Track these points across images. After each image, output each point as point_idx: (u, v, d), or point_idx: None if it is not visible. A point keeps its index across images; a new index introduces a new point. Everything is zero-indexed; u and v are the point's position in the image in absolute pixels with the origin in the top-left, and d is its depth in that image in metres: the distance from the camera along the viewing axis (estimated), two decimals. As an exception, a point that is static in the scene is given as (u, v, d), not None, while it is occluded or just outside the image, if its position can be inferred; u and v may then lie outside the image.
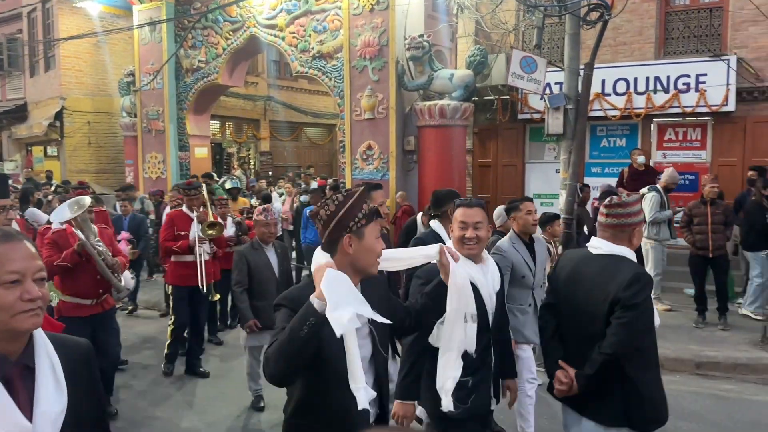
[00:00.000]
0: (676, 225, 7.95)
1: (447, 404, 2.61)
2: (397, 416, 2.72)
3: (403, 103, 9.91)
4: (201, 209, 6.17)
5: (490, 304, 2.79)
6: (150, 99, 12.99)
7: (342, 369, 2.00)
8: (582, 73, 7.83)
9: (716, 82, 9.46)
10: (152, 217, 9.84)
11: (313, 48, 10.55)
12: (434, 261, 2.42)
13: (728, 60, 9.31)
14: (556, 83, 9.70)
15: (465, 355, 2.65)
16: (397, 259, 2.36)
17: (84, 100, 15.89)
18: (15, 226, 5.15)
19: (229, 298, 7.58)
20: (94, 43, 15.61)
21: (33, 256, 1.48)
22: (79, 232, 4.45)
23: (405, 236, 6.68)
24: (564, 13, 7.88)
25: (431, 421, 2.92)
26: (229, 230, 7.23)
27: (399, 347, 2.77)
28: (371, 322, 2.08)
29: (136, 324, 8.05)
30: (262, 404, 5.21)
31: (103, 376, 3.87)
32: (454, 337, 2.54)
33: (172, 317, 6.04)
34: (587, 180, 9.87)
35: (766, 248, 7.15)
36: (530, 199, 4.46)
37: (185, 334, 6.14)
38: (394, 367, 3.78)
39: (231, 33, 11.71)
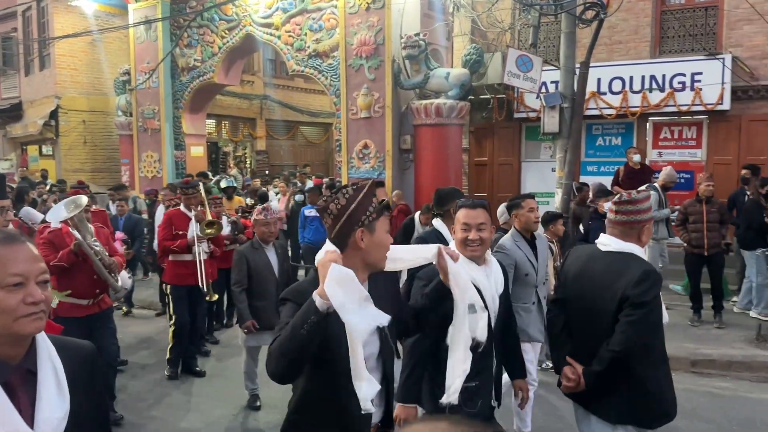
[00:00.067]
0: (672, 224, 7.97)
1: (449, 398, 2.49)
2: (398, 419, 2.66)
3: (399, 102, 9.91)
4: (199, 208, 6.14)
5: (494, 307, 2.74)
6: (146, 98, 12.96)
7: (347, 366, 1.95)
8: (578, 71, 7.86)
9: (711, 81, 9.49)
10: (145, 216, 9.82)
11: (309, 47, 10.55)
12: (433, 262, 2.36)
13: (723, 59, 9.34)
14: (552, 82, 9.72)
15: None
16: (393, 259, 2.29)
17: (79, 99, 15.83)
18: (9, 226, 5.12)
19: (225, 297, 7.59)
20: (90, 41, 15.55)
21: (36, 259, 1.45)
22: (75, 232, 4.42)
23: (403, 235, 6.68)
24: (560, 12, 7.90)
25: None
26: (225, 229, 7.22)
27: (400, 348, 2.73)
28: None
29: (132, 324, 8.03)
30: (258, 403, 5.20)
31: (103, 379, 3.84)
32: (463, 330, 2.47)
33: (173, 317, 5.95)
34: (582, 179, 9.89)
35: (762, 247, 7.17)
36: (532, 197, 4.40)
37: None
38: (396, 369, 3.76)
39: (227, 31, 11.69)
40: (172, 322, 5.96)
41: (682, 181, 9.95)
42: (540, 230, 4.86)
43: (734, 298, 7.96)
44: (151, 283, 9.77)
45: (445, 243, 3.10)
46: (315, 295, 1.82)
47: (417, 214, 8.19)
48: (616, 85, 10.20)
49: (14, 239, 1.44)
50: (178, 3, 12.43)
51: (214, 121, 16.72)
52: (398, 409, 2.70)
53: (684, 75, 9.73)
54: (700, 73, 9.59)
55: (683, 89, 9.74)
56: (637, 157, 8.87)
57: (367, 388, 1.92)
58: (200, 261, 5.88)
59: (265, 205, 5.52)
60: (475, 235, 2.70)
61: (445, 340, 2.54)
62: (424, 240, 3.96)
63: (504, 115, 11.08)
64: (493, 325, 2.75)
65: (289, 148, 19.35)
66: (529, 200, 4.30)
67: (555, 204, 7.93)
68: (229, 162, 17.49)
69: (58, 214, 4.47)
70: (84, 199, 4.57)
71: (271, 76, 18.24)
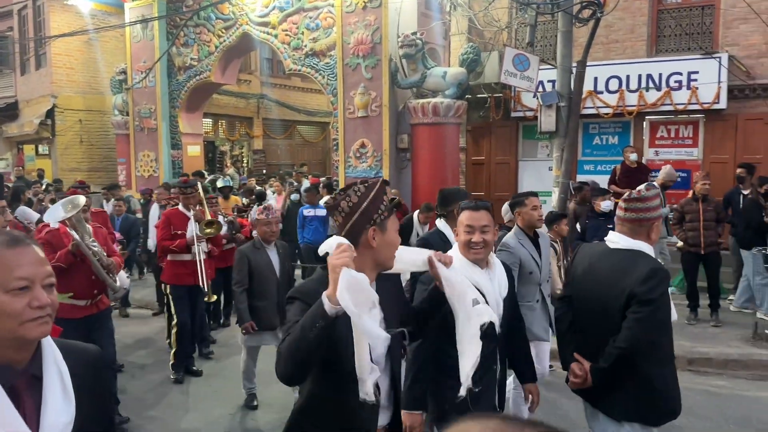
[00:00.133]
0: (669, 222, 7.99)
1: (464, 385, 2.37)
2: (405, 427, 2.61)
3: (396, 101, 9.91)
4: (197, 208, 6.11)
5: (497, 310, 2.68)
6: (142, 97, 12.93)
7: (354, 368, 1.91)
8: (574, 70, 7.86)
9: (708, 80, 9.51)
10: (139, 215, 9.80)
11: (306, 46, 10.53)
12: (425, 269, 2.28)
13: (720, 58, 9.36)
14: (548, 81, 9.72)
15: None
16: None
17: (75, 98, 15.79)
18: (6, 228, 5.10)
19: (222, 296, 7.58)
20: (86, 40, 15.51)
21: (42, 262, 1.42)
22: (73, 232, 4.39)
23: (401, 235, 6.67)
24: (557, 11, 7.90)
25: (436, 429, 2.84)
26: (222, 229, 7.20)
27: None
28: (386, 316, 2.03)
29: (128, 324, 8.01)
30: (255, 403, 5.20)
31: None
32: (469, 323, 2.33)
33: (174, 318, 5.88)
34: (579, 178, 9.91)
35: (759, 245, 7.18)
36: (535, 194, 4.36)
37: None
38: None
39: (223, 31, 11.67)
40: (174, 322, 5.88)
41: (679, 180, 9.98)
42: (543, 230, 4.84)
43: (730, 297, 7.99)
44: (146, 283, 9.76)
45: (449, 244, 3.08)
46: (324, 299, 1.76)
47: (415, 213, 8.20)
48: (613, 84, 10.22)
49: (19, 242, 1.41)
50: (175, 2, 12.40)
51: (210, 120, 16.70)
52: (404, 416, 2.62)
53: (680, 74, 9.75)
54: (697, 72, 9.61)
55: (680, 88, 9.76)
56: (633, 156, 8.89)
57: (368, 376, 1.88)
58: (200, 261, 5.85)
59: (266, 204, 5.50)
60: (479, 238, 2.66)
61: (447, 344, 2.49)
62: (427, 241, 3.87)
63: (501, 114, 11.09)
64: (498, 329, 2.70)
65: (286, 148, 19.34)
66: (532, 198, 4.26)
67: (552, 203, 7.93)
68: (226, 161, 17.47)
69: (55, 214, 4.43)
70: (82, 199, 4.53)
71: (268, 75, 18.23)
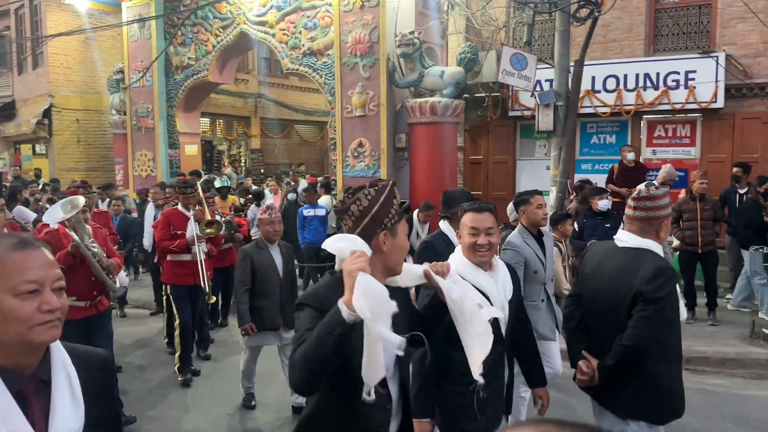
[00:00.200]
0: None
1: (476, 375, 2.29)
2: None
3: (394, 100, 9.90)
4: (197, 207, 6.08)
5: (504, 313, 2.63)
6: (139, 96, 12.91)
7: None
8: (572, 70, 7.87)
9: (705, 79, 9.52)
10: (134, 214, 9.79)
11: (303, 45, 10.52)
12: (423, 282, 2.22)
13: (717, 57, 9.37)
14: (546, 80, 9.73)
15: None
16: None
17: (73, 98, 15.76)
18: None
19: (220, 296, 7.57)
20: (83, 40, 15.48)
21: (51, 265, 1.40)
22: (72, 233, 4.36)
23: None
24: (554, 10, 7.92)
25: None
26: (220, 228, 7.19)
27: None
28: (395, 324, 1.96)
29: (125, 324, 8.00)
30: (253, 403, 5.19)
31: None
32: (473, 325, 2.27)
33: (177, 318, 5.82)
34: (577, 177, 9.91)
35: (758, 244, 7.19)
36: (540, 193, 4.33)
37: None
38: None
39: (221, 30, 11.65)
40: (177, 323, 5.82)
41: (676, 178, 9.99)
42: (545, 229, 4.82)
43: (728, 296, 8.00)
44: (142, 283, 9.74)
45: (453, 247, 3.05)
46: (341, 305, 1.71)
47: (415, 213, 8.20)
48: (611, 83, 10.22)
49: (28, 244, 1.39)
50: (172, 1, 12.38)
51: (208, 119, 16.67)
52: (414, 424, 2.53)
53: (678, 73, 9.75)
54: (694, 71, 9.62)
55: (677, 87, 9.77)
56: (630, 155, 8.90)
57: (373, 374, 1.81)
58: (201, 261, 5.82)
59: (269, 203, 5.48)
60: (484, 240, 2.62)
61: (450, 349, 2.46)
62: (431, 245, 3.79)
63: (499, 113, 11.09)
64: (503, 333, 2.67)
65: (283, 147, 19.31)
66: (537, 196, 4.23)
67: (550, 202, 7.94)
68: (224, 161, 17.44)
69: (55, 215, 4.39)
70: (81, 200, 4.49)
71: (265, 75, 18.19)
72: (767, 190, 7.36)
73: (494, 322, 2.43)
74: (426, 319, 2.29)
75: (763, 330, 6.48)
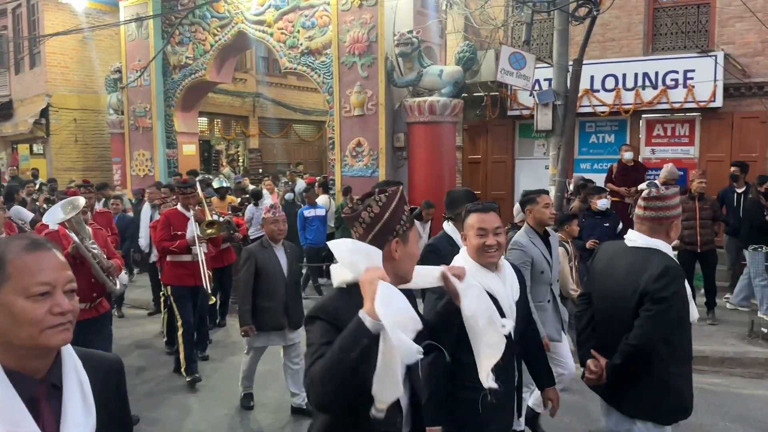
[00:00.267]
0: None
1: (487, 383, 2.27)
2: None
3: (392, 100, 9.89)
4: (197, 208, 6.03)
5: (511, 315, 2.59)
6: (137, 96, 12.88)
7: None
8: (571, 69, 7.86)
9: (704, 78, 9.51)
10: (130, 214, 9.77)
11: (301, 44, 10.50)
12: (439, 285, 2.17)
13: (715, 56, 9.37)
14: (545, 79, 9.72)
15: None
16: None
17: (70, 98, 15.72)
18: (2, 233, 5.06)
19: (218, 296, 7.54)
20: (80, 39, 15.45)
21: (63, 266, 1.38)
22: (73, 234, 4.33)
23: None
24: (553, 9, 7.90)
25: None
26: (219, 228, 7.17)
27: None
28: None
29: (124, 325, 7.97)
30: (252, 403, 5.17)
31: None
32: (486, 334, 2.25)
33: (180, 319, 5.77)
34: (574, 176, 9.90)
35: (762, 244, 7.17)
36: (546, 192, 4.30)
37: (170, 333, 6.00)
38: None
39: (219, 29, 11.63)
40: (179, 323, 5.77)
41: (678, 178, 9.99)
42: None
43: (727, 295, 7.99)
44: (138, 283, 9.72)
45: (457, 248, 3.02)
46: (364, 316, 1.65)
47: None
48: (609, 83, 10.22)
49: (40, 246, 1.37)
50: (170, 0, 12.36)
51: (206, 119, 16.63)
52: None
53: (677, 72, 9.75)
54: (693, 71, 9.62)
55: (676, 86, 9.77)
56: (627, 155, 8.89)
57: (389, 392, 1.74)
58: (202, 261, 5.78)
59: (273, 203, 5.45)
60: (493, 240, 2.58)
61: (459, 352, 2.41)
62: (435, 248, 3.71)
63: (497, 112, 11.08)
64: (512, 334, 2.60)
65: (282, 146, 19.28)
66: (544, 195, 4.19)
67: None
68: (222, 160, 17.42)
69: (55, 215, 4.35)
70: (82, 201, 4.46)
71: (263, 74, 18.17)
72: (768, 189, 7.35)
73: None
74: (437, 324, 2.23)
75: (762, 329, 6.47)
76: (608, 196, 7.29)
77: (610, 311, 2.84)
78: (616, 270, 2.83)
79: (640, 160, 9.83)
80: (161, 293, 7.40)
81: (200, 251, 5.78)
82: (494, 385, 2.17)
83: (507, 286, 2.65)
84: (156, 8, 12.36)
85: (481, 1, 10.12)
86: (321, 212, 9.03)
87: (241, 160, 18.10)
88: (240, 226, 7.79)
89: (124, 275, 4.91)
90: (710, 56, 9.39)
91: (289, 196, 10.05)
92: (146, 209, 8.40)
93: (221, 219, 7.29)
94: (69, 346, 1.41)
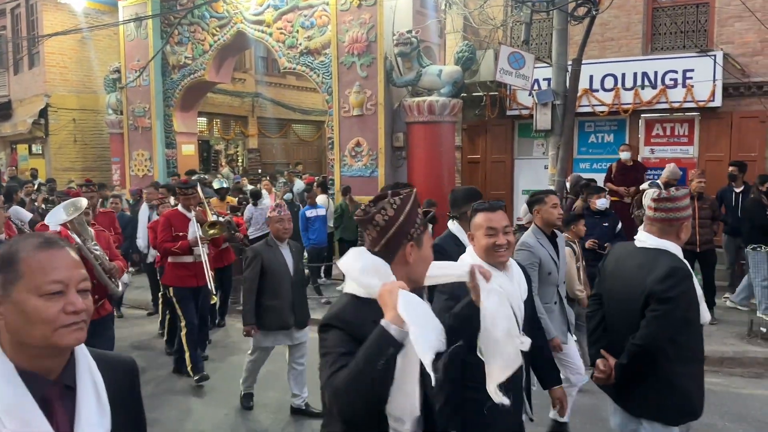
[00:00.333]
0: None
1: (497, 398, 2.21)
2: None
3: (391, 100, 9.88)
4: (198, 208, 6.02)
5: (520, 314, 2.56)
6: (136, 96, 12.87)
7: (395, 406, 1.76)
8: (570, 68, 7.86)
9: (703, 78, 9.51)
10: (127, 214, 9.76)
11: (300, 44, 10.50)
12: (465, 280, 2.14)
13: (715, 56, 9.37)
14: (544, 79, 9.71)
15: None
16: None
17: (69, 98, 15.71)
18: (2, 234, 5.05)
19: (217, 296, 7.54)
20: (79, 39, 15.42)
21: (76, 265, 1.36)
22: (75, 236, 4.30)
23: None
24: (552, 9, 7.90)
25: None
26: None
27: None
28: None
29: (123, 325, 7.95)
30: (251, 403, 5.17)
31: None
32: (503, 346, 2.17)
33: (182, 320, 5.77)
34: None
35: (763, 245, 7.17)
36: (554, 192, 4.31)
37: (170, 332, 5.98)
38: None
39: (218, 29, 11.62)
40: (183, 324, 5.77)
41: (680, 177, 10.00)
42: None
43: (726, 294, 7.99)
44: (136, 284, 9.69)
45: (463, 248, 3.00)
46: (389, 324, 1.63)
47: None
48: (608, 82, 10.21)
49: (54, 244, 1.36)
50: (169, 0, 12.35)
51: (205, 119, 16.63)
52: None
53: (676, 72, 9.75)
54: (692, 70, 9.61)
55: (675, 86, 9.77)
56: (624, 155, 8.89)
57: (408, 408, 1.74)
58: (206, 261, 5.77)
59: (278, 202, 5.45)
60: (503, 240, 2.56)
61: (473, 356, 2.31)
62: (440, 248, 3.61)
63: (497, 112, 11.07)
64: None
65: (281, 146, 19.28)
66: (552, 196, 4.17)
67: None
68: (221, 160, 17.40)
69: (57, 216, 4.32)
70: (84, 202, 4.42)
71: (262, 74, 18.16)
72: (769, 189, 7.35)
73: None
74: (454, 326, 2.18)
75: (761, 329, 6.48)
76: (607, 196, 7.29)
77: (618, 312, 2.87)
78: (625, 271, 2.85)
79: (639, 159, 9.83)
80: (160, 294, 7.40)
81: (203, 252, 5.76)
82: (505, 401, 2.13)
83: (516, 284, 2.63)
84: (155, 8, 12.35)
85: (480, 0, 10.11)
86: (322, 212, 9.03)
87: (240, 160, 18.09)
88: (240, 225, 7.80)
89: (125, 275, 4.90)
90: (709, 56, 9.39)
91: (287, 196, 10.05)
92: (144, 209, 8.39)
93: (221, 219, 7.30)
94: (83, 346, 1.41)
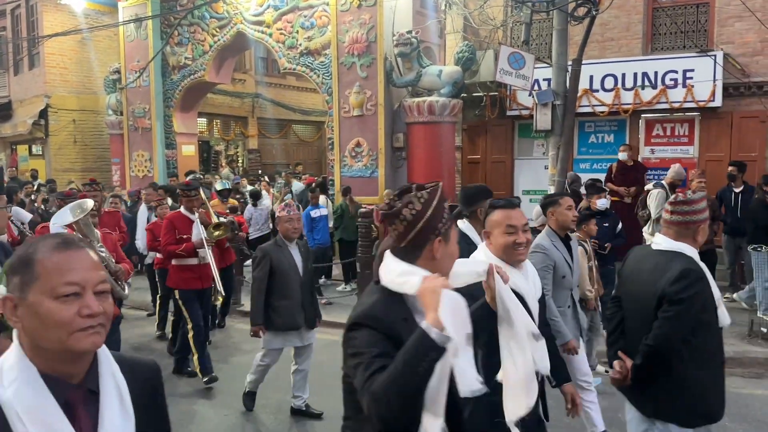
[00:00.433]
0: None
1: (513, 427, 2.14)
2: None
3: (391, 100, 9.89)
4: (200, 210, 6.00)
5: (535, 312, 2.53)
6: (136, 96, 12.87)
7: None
8: (570, 69, 7.85)
9: (703, 78, 9.51)
10: (127, 214, 9.75)
11: (300, 44, 10.50)
12: (482, 280, 2.08)
13: (715, 56, 9.37)
14: (544, 79, 9.71)
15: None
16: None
17: (69, 98, 15.72)
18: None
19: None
20: (79, 40, 15.43)
21: (95, 266, 1.32)
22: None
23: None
24: (552, 9, 7.90)
25: None
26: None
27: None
28: None
29: (122, 326, 7.89)
30: (253, 404, 5.16)
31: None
32: (519, 362, 2.15)
33: (189, 323, 5.72)
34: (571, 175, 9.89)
35: (765, 245, 7.15)
36: (569, 194, 4.29)
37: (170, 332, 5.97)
38: None
39: (218, 29, 11.63)
40: (190, 327, 5.73)
41: (684, 178, 9.99)
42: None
43: (726, 294, 7.98)
44: (135, 285, 9.67)
45: (474, 247, 2.98)
46: (430, 328, 1.57)
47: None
48: (609, 83, 10.21)
49: (71, 244, 1.32)
50: (169, 1, 12.35)
51: (205, 119, 16.63)
52: None
53: (676, 72, 9.75)
54: (692, 70, 9.61)
55: (675, 86, 9.76)
56: (622, 155, 8.88)
57: (437, 416, 1.68)
58: (213, 263, 5.76)
59: (287, 201, 5.43)
60: (523, 238, 2.53)
61: (487, 357, 2.27)
62: None
63: (497, 112, 11.06)
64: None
65: (281, 147, 19.28)
66: (566, 198, 4.13)
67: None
68: (221, 161, 17.40)
69: (63, 218, 4.29)
70: (90, 203, 4.39)
71: (262, 75, 18.16)
72: (772, 188, 7.33)
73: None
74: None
75: (762, 329, 6.47)
76: (608, 196, 7.29)
77: (635, 314, 2.90)
78: (641, 273, 2.89)
79: (639, 159, 9.82)
80: (158, 296, 7.40)
81: (209, 253, 5.74)
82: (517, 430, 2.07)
83: (530, 283, 2.61)
84: (155, 9, 12.36)
85: (480, 1, 10.11)
86: (325, 212, 9.04)
87: (240, 161, 18.10)
88: (242, 224, 7.80)
89: None
90: (709, 56, 9.39)
91: (288, 197, 10.05)
92: (143, 210, 8.38)
93: (224, 220, 7.30)
94: (106, 350, 1.37)
